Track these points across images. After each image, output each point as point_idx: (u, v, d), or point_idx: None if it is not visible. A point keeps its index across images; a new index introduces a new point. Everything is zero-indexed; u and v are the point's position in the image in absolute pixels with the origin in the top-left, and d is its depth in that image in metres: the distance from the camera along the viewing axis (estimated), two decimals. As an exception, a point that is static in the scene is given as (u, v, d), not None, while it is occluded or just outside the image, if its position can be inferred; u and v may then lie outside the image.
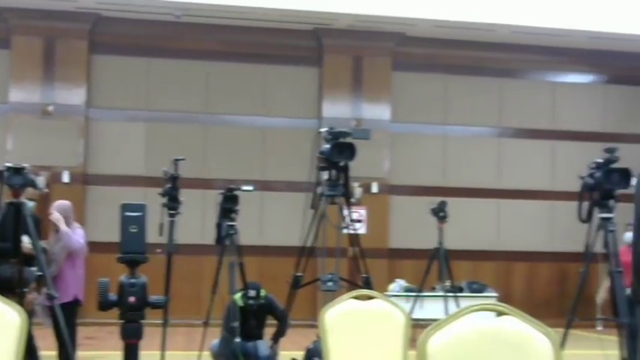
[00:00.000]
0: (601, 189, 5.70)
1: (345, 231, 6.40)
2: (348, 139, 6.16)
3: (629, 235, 7.73)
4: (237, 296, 7.05)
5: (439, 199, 9.94)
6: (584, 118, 14.02)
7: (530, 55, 13.81)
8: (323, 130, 6.39)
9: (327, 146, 6.16)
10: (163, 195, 6.41)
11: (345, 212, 6.35)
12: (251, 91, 13.31)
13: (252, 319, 7.10)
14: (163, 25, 12.88)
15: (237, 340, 6.76)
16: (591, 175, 5.76)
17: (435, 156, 13.72)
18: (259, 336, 7.31)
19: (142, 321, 4.10)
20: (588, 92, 14.24)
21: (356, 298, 3.89)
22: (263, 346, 7.25)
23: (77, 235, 6.25)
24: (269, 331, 7.40)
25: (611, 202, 5.80)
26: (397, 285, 11.26)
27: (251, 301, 7.15)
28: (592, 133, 13.75)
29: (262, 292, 7.24)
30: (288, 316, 6.84)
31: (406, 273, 12.20)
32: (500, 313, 2.45)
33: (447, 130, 13.79)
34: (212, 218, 7.31)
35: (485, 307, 2.48)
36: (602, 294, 9.21)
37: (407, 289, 10.92)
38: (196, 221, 11.57)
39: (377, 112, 13.36)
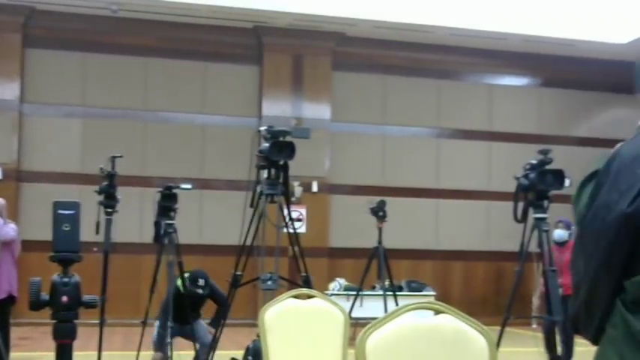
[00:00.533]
0: (535, 190, 5.82)
1: (284, 230, 6.39)
2: (288, 138, 6.15)
3: (558, 233, 7.89)
4: (179, 282, 7.03)
5: (378, 198, 10.00)
6: (520, 120, 14.31)
7: (468, 58, 14.03)
8: (262, 128, 6.37)
9: (267, 145, 6.13)
10: (100, 193, 6.30)
11: (285, 211, 6.35)
12: (190, 89, 13.19)
13: (190, 305, 7.07)
14: (100, 20, 12.64)
15: (173, 325, 6.74)
16: (526, 176, 5.87)
17: (374, 155, 13.82)
18: (197, 318, 7.30)
19: (77, 321, 4.02)
20: (523, 95, 14.54)
21: (295, 297, 3.89)
22: (202, 328, 7.25)
23: (9, 228, 6.08)
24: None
25: (545, 203, 5.93)
26: (337, 284, 11.29)
27: (200, 290, 7.14)
28: (527, 135, 14.04)
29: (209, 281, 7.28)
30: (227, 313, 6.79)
31: (346, 272, 12.26)
32: (437, 312, 2.48)
33: (386, 130, 13.90)
34: (150, 217, 7.21)
35: (422, 305, 2.51)
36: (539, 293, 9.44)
37: (347, 288, 10.97)
38: (134, 219, 11.41)
39: (317, 111, 13.39)
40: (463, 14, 12.58)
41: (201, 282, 7.19)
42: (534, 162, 5.90)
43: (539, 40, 13.34)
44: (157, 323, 7.10)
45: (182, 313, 6.88)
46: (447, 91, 14.15)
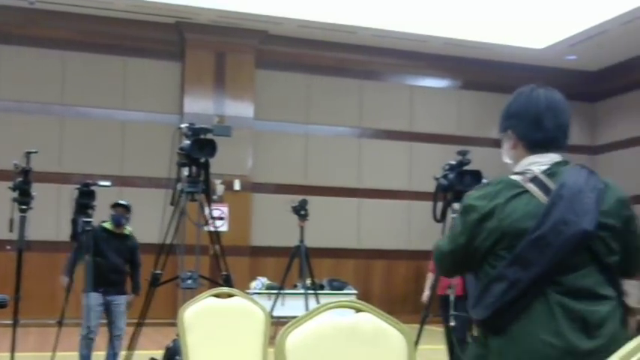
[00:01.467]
0: (454, 190, 5.92)
1: (205, 228, 6.34)
2: (209, 136, 6.10)
3: None
4: (106, 224, 7.14)
5: (301, 197, 10.03)
6: (440, 121, 14.57)
7: (390, 59, 14.20)
8: (183, 125, 6.30)
9: (188, 142, 6.07)
10: (14, 189, 6.11)
11: (206, 209, 6.29)
12: (110, 84, 12.92)
13: (115, 251, 7.01)
14: (16, 11, 12.24)
15: (97, 293, 6.75)
16: (445, 177, 5.97)
17: (297, 154, 13.84)
18: (121, 289, 7.18)
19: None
20: (444, 96, 14.81)
21: (216, 296, 3.86)
22: (123, 314, 7.14)
23: None
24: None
25: (463, 203, 6.04)
26: (259, 282, 11.27)
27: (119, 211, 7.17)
28: (447, 136, 14.30)
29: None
30: (147, 312, 6.67)
31: (268, 271, 12.24)
32: (357, 310, 2.50)
33: (309, 130, 13.95)
34: (67, 214, 7.03)
35: (342, 304, 2.52)
36: (427, 292, 9.50)
37: (268, 287, 10.96)
38: (51, 217, 11.12)
39: (240, 109, 13.32)
40: (386, 16, 12.73)
41: (122, 202, 7.33)
42: (453, 163, 6.00)
43: (460, 43, 13.62)
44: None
45: (104, 257, 6.88)
46: (369, 91, 14.29)
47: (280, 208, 11.06)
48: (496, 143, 11.99)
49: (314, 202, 10.56)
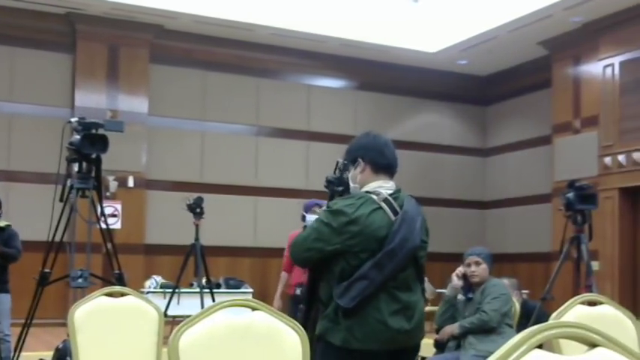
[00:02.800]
0: (348, 189, 6.01)
1: (97, 226, 6.18)
2: (101, 131, 5.95)
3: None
4: None
5: (196, 194, 9.93)
6: (337, 121, 14.73)
7: (288, 58, 14.24)
8: (73, 120, 6.11)
9: (78, 137, 5.90)
10: None
11: (98, 206, 6.14)
12: (-3, 75, 12.40)
13: None
14: None
15: None
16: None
17: (193, 151, 13.69)
18: (2, 287, 6.88)
19: None
20: (340, 96, 14.98)
21: (108, 295, 3.78)
22: (7, 315, 6.86)
23: None
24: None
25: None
26: (153, 281, 11.10)
27: None
28: (344, 136, 14.42)
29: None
30: (35, 312, 6.43)
31: (163, 269, 12.06)
32: (252, 309, 2.51)
33: (205, 126, 13.82)
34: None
35: (236, 302, 2.53)
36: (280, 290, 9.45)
37: (163, 286, 10.81)
38: None
39: (134, 104, 13.05)
40: (284, 15, 12.78)
41: None
42: (347, 162, 6.08)
43: (356, 44, 13.82)
44: None
45: None
46: (266, 89, 14.29)
47: (175, 205, 10.91)
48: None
49: (210, 200, 10.46)
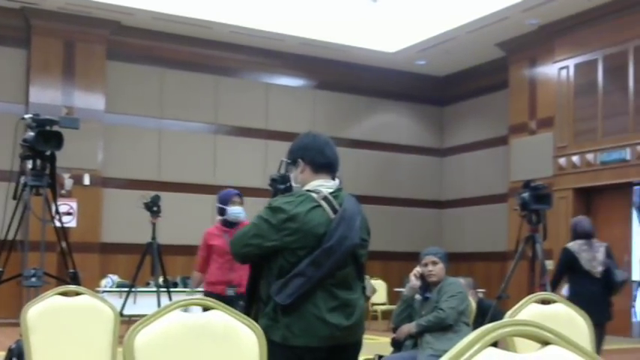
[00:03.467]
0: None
1: (51, 224, 6.08)
2: (55, 128, 5.86)
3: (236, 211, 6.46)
4: None
5: (153, 193, 9.84)
6: (295, 120, 14.71)
7: (246, 56, 14.20)
8: (27, 116, 6.00)
9: (32, 134, 5.80)
10: None
11: (52, 204, 6.04)
12: (-52, 70, 12.13)
13: None
14: None
15: None
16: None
17: (150, 149, 13.56)
18: None
19: None
20: (299, 95, 14.98)
21: (62, 294, 3.72)
22: None
23: None
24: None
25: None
26: (109, 280, 10.98)
27: None
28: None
29: None
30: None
31: (119, 268, 11.93)
32: (207, 308, 2.49)
33: (162, 124, 13.70)
34: None
35: (193, 301, 2.51)
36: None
37: (119, 285, 10.71)
38: None
39: (90, 101, 12.88)
40: (243, 13, 12.73)
41: None
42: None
43: (315, 43, 13.83)
44: None
45: None
46: (225, 87, 14.22)
47: (132, 203, 10.78)
48: (350, 143, 12.43)
49: (167, 199, 10.38)
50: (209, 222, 13.92)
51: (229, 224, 6.18)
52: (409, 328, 5.10)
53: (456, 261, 12.51)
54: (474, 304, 5.49)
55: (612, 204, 12.20)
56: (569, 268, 7.10)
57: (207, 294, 5.82)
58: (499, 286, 8.57)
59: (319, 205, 3.10)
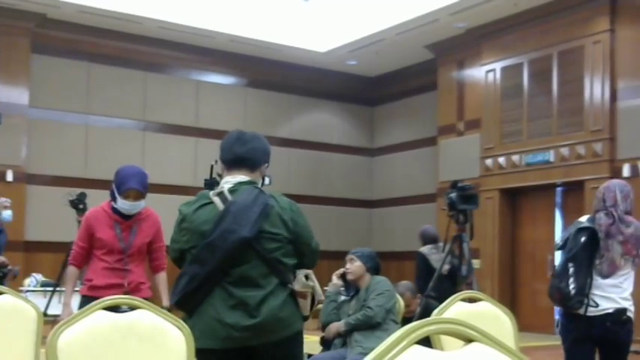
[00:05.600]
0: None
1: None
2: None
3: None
4: None
5: (80, 190, 9.65)
6: (226, 118, 14.62)
7: (176, 52, 14.04)
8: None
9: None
10: None
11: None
12: None
13: None
14: None
15: None
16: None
17: (76, 145, 13.26)
18: None
19: None
20: (230, 93, 14.89)
21: (-18, 294, 3.61)
22: None
23: None
24: None
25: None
26: (33, 279, 10.73)
27: None
28: (232, 132, 14.39)
29: None
30: None
31: (43, 267, 11.65)
32: (135, 307, 2.46)
33: (89, 120, 13.42)
34: None
35: (119, 301, 2.47)
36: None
37: (44, 284, 10.49)
38: None
39: (13, 95, 12.50)
40: (173, 8, 12.58)
41: None
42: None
43: (246, 41, 13.77)
44: None
45: None
46: (154, 84, 14.02)
47: (57, 201, 10.55)
48: (281, 142, 12.45)
49: (94, 196, 10.16)
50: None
51: (123, 215, 4.94)
52: (338, 326, 5.13)
53: (386, 260, 12.58)
54: (419, 309, 5.58)
55: (537, 204, 12.53)
56: (425, 269, 8.02)
57: (87, 299, 4.42)
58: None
59: (211, 202, 3.05)
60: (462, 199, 7.90)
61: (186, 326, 2.51)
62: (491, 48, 12.85)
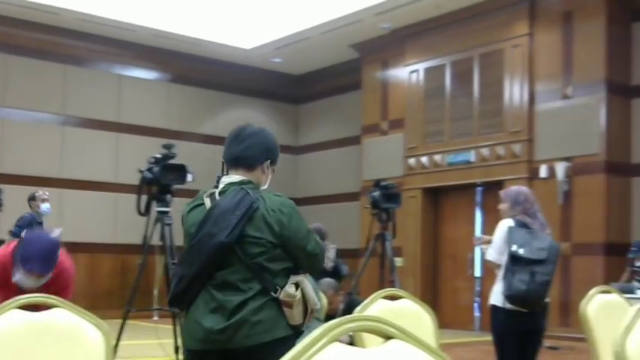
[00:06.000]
0: (159, 183, 5.90)
1: None
2: None
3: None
4: None
5: (-5, 186, 9.34)
6: (149, 114, 14.41)
7: (97, 45, 13.73)
8: None
9: None
10: None
11: None
12: None
13: None
14: None
15: None
16: (150, 170, 5.92)
17: (-9, 140, 12.84)
18: None
19: None
20: (153, 88, 14.66)
21: None
22: None
23: None
24: None
25: (168, 197, 6.04)
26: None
27: None
28: (156, 129, 14.18)
29: None
30: None
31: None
32: (51, 306, 2.40)
33: (5, 113, 12.99)
34: None
35: (33, 300, 2.40)
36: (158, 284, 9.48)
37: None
38: None
39: None
40: (93, 0, 12.30)
41: None
42: (158, 156, 5.98)
43: (169, 36, 13.59)
44: None
45: None
46: (74, 77, 13.68)
47: (-30, 197, 10.20)
48: (204, 138, 12.34)
49: (11, 192, 9.89)
50: (56, 217, 13.37)
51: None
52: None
53: (309, 258, 12.68)
54: (342, 305, 5.59)
55: (458, 203, 12.77)
56: None
57: None
58: (351, 283, 8.79)
59: (202, 204, 2.99)
60: (385, 198, 8.00)
61: (105, 325, 2.45)
62: (415, 49, 13.04)
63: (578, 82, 10.93)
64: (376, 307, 3.21)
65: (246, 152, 3.06)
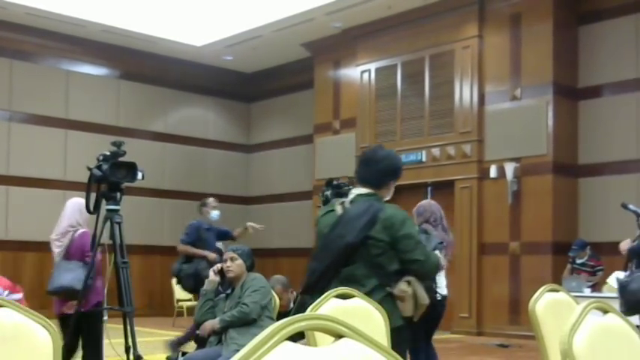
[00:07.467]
0: (108, 181, 5.82)
1: None
2: None
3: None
4: None
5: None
6: (98, 110, 14.21)
7: (45, 40, 13.49)
8: None
9: None
10: None
11: None
12: None
13: None
14: None
15: None
16: (99, 167, 5.84)
17: None
18: None
19: None
20: (102, 85, 14.45)
21: None
22: None
23: None
24: None
25: (118, 195, 5.95)
26: None
27: None
28: (105, 126, 14.00)
29: None
30: None
31: None
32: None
33: (-51, 109, 12.70)
34: None
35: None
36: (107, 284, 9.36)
37: None
38: None
39: None
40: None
41: None
42: (107, 153, 5.89)
43: (119, 32, 13.42)
44: None
45: None
46: (20, 72, 13.41)
47: None
48: (154, 136, 12.20)
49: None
50: (2, 214, 13.12)
51: None
52: (213, 324, 5.09)
53: (262, 257, 12.64)
54: (292, 304, 5.60)
55: (409, 203, 12.77)
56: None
57: None
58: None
59: (333, 210, 3.68)
60: (337, 197, 8.01)
61: (53, 325, 2.41)
62: (366, 49, 13.11)
63: (527, 84, 11.11)
64: (328, 306, 3.22)
65: (374, 177, 3.70)
